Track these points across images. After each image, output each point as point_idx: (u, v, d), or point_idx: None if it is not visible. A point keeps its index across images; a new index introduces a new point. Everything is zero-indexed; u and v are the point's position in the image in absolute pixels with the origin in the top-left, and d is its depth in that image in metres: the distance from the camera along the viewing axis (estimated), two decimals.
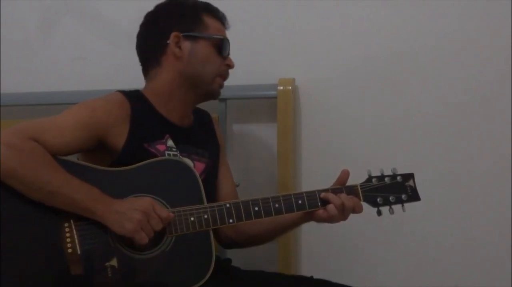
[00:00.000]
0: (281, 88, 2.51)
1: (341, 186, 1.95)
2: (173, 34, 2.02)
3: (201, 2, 2.11)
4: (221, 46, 2.07)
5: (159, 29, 2.06)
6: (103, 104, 1.95)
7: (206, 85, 2.07)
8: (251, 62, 2.62)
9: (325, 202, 1.92)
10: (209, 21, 2.07)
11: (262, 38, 2.63)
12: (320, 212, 1.92)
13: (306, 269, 2.59)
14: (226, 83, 2.47)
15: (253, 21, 2.64)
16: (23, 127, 1.82)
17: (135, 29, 2.10)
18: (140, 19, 2.10)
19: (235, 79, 2.39)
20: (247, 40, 2.64)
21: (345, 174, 1.96)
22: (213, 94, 2.11)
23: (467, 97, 2.47)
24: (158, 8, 2.10)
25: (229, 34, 2.54)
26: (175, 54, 2.02)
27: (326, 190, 1.93)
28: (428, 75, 2.51)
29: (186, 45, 2.03)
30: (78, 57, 2.80)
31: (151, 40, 2.08)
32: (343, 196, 1.91)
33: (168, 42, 2.02)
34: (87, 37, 2.80)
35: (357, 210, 1.92)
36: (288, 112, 2.49)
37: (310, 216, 1.96)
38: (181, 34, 2.03)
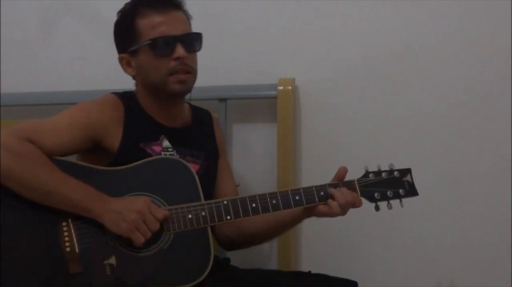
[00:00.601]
0: (281, 88, 2.51)
1: (339, 182, 1.95)
2: (119, 57, 2.06)
3: (136, 1, 2.04)
4: (155, 48, 1.97)
5: (116, 47, 2.10)
6: (98, 106, 1.97)
7: (162, 88, 2.00)
8: (251, 62, 2.63)
9: (323, 198, 1.92)
10: (142, 23, 1.98)
11: (262, 38, 2.63)
12: (321, 207, 1.92)
13: (305, 266, 2.58)
14: (226, 83, 2.48)
15: (253, 21, 2.64)
16: (19, 128, 1.84)
17: None
18: None
19: (235, 79, 2.40)
20: (247, 40, 2.64)
21: (342, 171, 1.96)
22: (174, 93, 2.01)
23: (467, 97, 2.47)
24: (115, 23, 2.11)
25: (230, 34, 2.55)
26: (130, 73, 2.06)
27: (323, 186, 1.93)
28: (428, 75, 2.50)
29: (134, 61, 2.02)
30: (78, 57, 2.81)
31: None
32: (344, 190, 1.91)
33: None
34: (87, 37, 2.81)
35: (357, 205, 1.92)
36: (288, 112, 2.49)
37: (311, 212, 1.96)
38: (126, 54, 2.03)
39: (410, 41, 2.51)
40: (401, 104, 2.53)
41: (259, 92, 2.60)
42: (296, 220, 2.04)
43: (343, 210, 1.91)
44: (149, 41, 1.95)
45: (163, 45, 1.96)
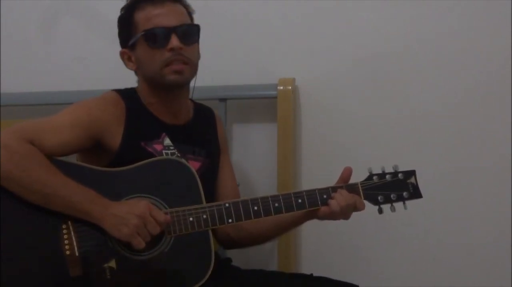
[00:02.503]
0: (281, 88, 2.51)
1: (342, 185, 1.94)
2: (120, 52, 2.08)
3: None
4: (150, 39, 1.97)
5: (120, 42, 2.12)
6: (98, 103, 1.96)
7: (159, 80, 1.99)
8: (251, 62, 2.62)
9: (325, 202, 1.92)
10: (139, 15, 2.00)
11: (262, 38, 2.63)
12: (323, 208, 1.92)
13: (306, 268, 2.58)
14: (226, 83, 2.48)
15: (253, 21, 2.64)
16: (19, 128, 1.83)
17: None
18: None
19: (235, 79, 2.40)
20: (247, 40, 2.64)
21: (347, 171, 1.96)
22: (170, 84, 2.00)
23: (467, 97, 2.47)
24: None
25: (230, 34, 2.55)
26: (131, 68, 2.07)
27: (326, 189, 1.93)
28: (428, 75, 2.50)
29: (133, 55, 2.04)
30: (78, 57, 2.81)
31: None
32: (344, 192, 1.91)
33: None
34: (87, 37, 2.80)
35: (359, 207, 1.92)
36: (288, 112, 2.49)
37: (312, 214, 1.96)
38: (126, 49, 2.05)
39: (410, 41, 2.51)
40: (401, 104, 2.53)
41: (259, 92, 2.60)
42: (296, 222, 2.04)
43: (343, 212, 1.91)
44: (143, 33, 1.97)
45: (157, 36, 1.96)
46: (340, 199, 1.90)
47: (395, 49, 2.52)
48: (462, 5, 2.45)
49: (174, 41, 1.95)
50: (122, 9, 2.09)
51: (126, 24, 2.04)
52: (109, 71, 2.69)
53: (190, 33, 2.01)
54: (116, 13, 2.72)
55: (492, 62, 2.44)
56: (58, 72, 2.83)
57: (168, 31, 1.95)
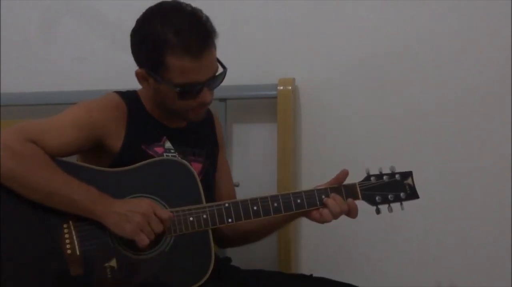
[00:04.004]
0: (281, 88, 2.51)
1: (340, 185, 1.95)
2: (136, 72, 1.92)
3: (174, 30, 1.83)
4: (183, 93, 1.87)
5: (133, 54, 1.95)
6: (100, 105, 1.95)
7: (177, 115, 1.99)
8: (251, 62, 2.62)
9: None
10: (173, 61, 1.83)
11: (262, 38, 2.63)
12: (314, 213, 1.93)
13: (306, 268, 2.59)
14: (226, 83, 2.46)
15: (253, 21, 2.64)
16: (21, 128, 1.82)
17: None
18: None
19: (235, 79, 2.39)
20: (247, 40, 2.64)
21: (343, 174, 1.96)
22: (188, 121, 2.02)
23: (467, 97, 2.47)
24: (134, 27, 1.93)
25: (230, 34, 2.53)
26: (144, 88, 1.98)
27: (325, 190, 1.93)
28: (428, 75, 2.51)
29: (151, 81, 1.92)
30: (78, 57, 2.81)
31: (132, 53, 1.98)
32: (339, 199, 1.92)
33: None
34: (87, 37, 2.80)
35: (351, 215, 1.94)
36: (288, 112, 2.50)
37: (303, 213, 1.96)
38: (145, 72, 1.90)
39: (410, 41, 2.52)
40: (401, 104, 2.54)
41: (259, 92, 2.60)
42: (287, 221, 2.06)
43: (335, 218, 1.93)
44: (176, 88, 1.86)
45: (190, 92, 1.88)
46: (334, 206, 1.91)
47: (395, 49, 2.52)
48: (462, 5, 2.45)
49: (206, 96, 1.90)
50: (147, 27, 1.89)
51: (154, 53, 1.85)
52: (109, 71, 2.71)
53: (219, 81, 1.94)
54: (116, 13, 2.74)
55: (492, 62, 2.45)
56: (58, 72, 2.83)
57: (201, 86, 1.88)
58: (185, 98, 1.89)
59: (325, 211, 1.91)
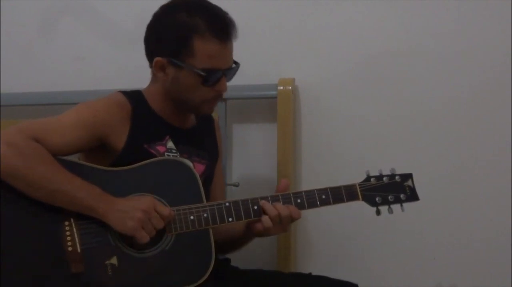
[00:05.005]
0: (281, 88, 2.51)
1: (340, 186, 1.94)
2: (155, 60, 1.94)
3: (201, 16, 1.90)
4: (207, 78, 1.92)
5: (149, 45, 1.99)
6: (104, 104, 1.95)
7: (191, 108, 2.02)
8: (251, 62, 2.60)
9: (324, 201, 1.92)
10: (200, 46, 1.89)
11: (262, 38, 2.63)
12: (257, 225, 1.92)
13: (305, 268, 2.58)
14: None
15: (254, 21, 2.63)
16: (24, 127, 1.83)
17: (136, 29, 2.08)
18: (140, 19, 2.09)
19: (235, 79, 2.39)
20: (247, 40, 2.63)
21: (283, 184, 1.97)
22: (201, 114, 2.07)
23: (467, 97, 2.47)
24: (157, 17, 1.98)
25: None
26: (160, 77, 1.98)
27: (324, 189, 1.93)
28: (428, 75, 2.51)
29: (171, 70, 1.94)
30: (78, 57, 2.81)
31: (147, 48, 2.01)
32: (278, 206, 1.90)
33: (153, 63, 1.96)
34: (87, 37, 2.81)
35: (295, 216, 1.91)
36: (288, 112, 2.50)
37: (250, 230, 1.97)
38: (166, 60, 1.93)
39: (410, 41, 2.52)
40: (401, 104, 2.54)
41: (259, 92, 2.61)
42: (242, 238, 2.06)
43: (280, 225, 1.91)
44: (203, 72, 1.90)
45: (211, 77, 1.92)
46: (273, 213, 1.89)
47: (395, 49, 2.52)
48: (462, 5, 2.45)
49: (224, 85, 1.96)
50: (171, 12, 1.95)
51: (180, 36, 1.90)
52: (109, 71, 2.71)
53: (234, 73, 2.01)
54: (116, 13, 2.74)
55: (492, 62, 2.45)
56: (58, 72, 2.83)
57: (221, 74, 1.94)
58: (206, 85, 1.92)
59: (265, 218, 1.89)
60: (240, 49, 2.60)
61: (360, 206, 1.96)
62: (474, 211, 2.47)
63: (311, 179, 2.57)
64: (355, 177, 1.98)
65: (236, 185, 2.58)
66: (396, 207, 1.96)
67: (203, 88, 1.93)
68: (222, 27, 1.92)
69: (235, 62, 2.01)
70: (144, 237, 1.76)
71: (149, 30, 1.99)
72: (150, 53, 1.98)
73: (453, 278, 2.49)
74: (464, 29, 2.47)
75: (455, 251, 2.49)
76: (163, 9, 1.98)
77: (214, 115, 2.32)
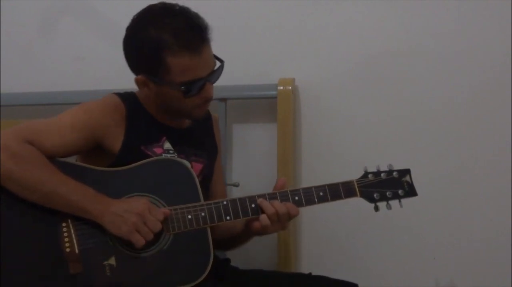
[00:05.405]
0: (281, 88, 2.51)
1: (338, 183, 1.94)
2: (136, 79, 1.93)
3: (168, 30, 1.84)
4: (187, 90, 1.88)
5: (128, 61, 1.96)
6: (99, 107, 1.95)
7: (184, 115, 2.01)
8: (251, 62, 2.63)
9: (322, 199, 1.92)
10: (172, 61, 1.84)
11: (262, 38, 2.63)
12: (255, 223, 1.91)
13: (305, 268, 2.58)
14: (226, 83, 2.46)
15: (253, 21, 2.64)
16: (19, 129, 1.84)
17: None
18: None
19: (235, 79, 2.40)
20: (247, 40, 2.64)
21: (281, 183, 1.97)
22: (194, 119, 2.04)
23: (467, 97, 2.47)
24: (129, 32, 1.94)
25: (230, 34, 2.54)
26: (145, 91, 1.96)
27: (322, 186, 1.93)
28: (428, 75, 2.50)
29: (152, 86, 1.92)
30: (78, 57, 2.81)
31: (127, 63, 1.97)
32: (276, 203, 1.89)
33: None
34: (87, 37, 2.81)
35: (293, 214, 1.90)
36: (288, 112, 2.50)
37: (249, 229, 1.96)
38: (145, 78, 1.90)
39: (410, 41, 2.52)
40: (401, 104, 2.53)
41: (259, 92, 2.61)
42: (242, 236, 2.06)
43: (278, 222, 1.90)
44: (181, 87, 1.87)
45: (193, 89, 1.88)
46: (270, 211, 1.88)
47: (395, 49, 2.52)
48: (462, 5, 2.45)
49: (209, 91, 1.93)
50: (138, 32, 1.90)
51: (152, 56, 1.85)
52: (109, 71, 2.71)
53: (219, 74, 1.96)
54: (116, 13, 2.73)
55: (492, 62, 2.44)
56: (58, 72, 2.83)
57: (203, 82, 1.90)
58: (189, 96, 1.89)
59: (262, 216, 1.89)
60: (240, 49, 2.61)
61: (359, 206, 1.96)
62: (474, 211, 2.47)
63: (311, 179, 2.57)
64: (355, 177, 1.97)
65: (236, 185, 2.58)
66: (394, 203, 1.95)
67: (187, 100, 1.91)
68: (190, 39, 1.84)
69: (219, 59, 1.96)
70: (139, 240, 1.76)
71: (125, 47, 1.95)
72: (131, 69, 1.96)
73: (453, 278, 2.49)
74: (464, 29, 2.47)
75: (455, 251, 2.49)
76: (133, 23, 1.93)
77: (214, 114, 2.32)
